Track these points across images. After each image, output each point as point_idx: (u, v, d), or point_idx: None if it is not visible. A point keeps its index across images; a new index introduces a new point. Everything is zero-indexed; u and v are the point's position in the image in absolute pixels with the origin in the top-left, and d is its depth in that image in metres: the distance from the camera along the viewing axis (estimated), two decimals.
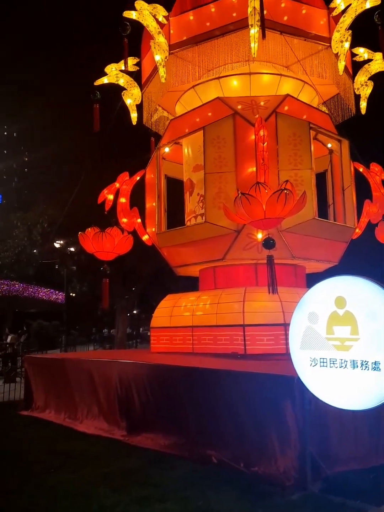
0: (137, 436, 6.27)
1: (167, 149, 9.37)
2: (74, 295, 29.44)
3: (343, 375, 3.95)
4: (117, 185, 9.59)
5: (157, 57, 8.35)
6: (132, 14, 8.40)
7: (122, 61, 9.03)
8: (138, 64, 9.48)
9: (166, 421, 6.05)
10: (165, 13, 8.69)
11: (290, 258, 8.05)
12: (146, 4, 8.41)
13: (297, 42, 8.22)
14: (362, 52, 9.09)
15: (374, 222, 9.20)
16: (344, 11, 8.23)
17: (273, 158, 7.76)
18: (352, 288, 4.01)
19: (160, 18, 8.59)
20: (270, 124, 7.83)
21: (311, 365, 4.21)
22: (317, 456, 4.53)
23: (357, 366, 3.86)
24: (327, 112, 9.46)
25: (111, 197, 9.51)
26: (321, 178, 9.77)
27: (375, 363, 3.74)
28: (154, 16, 8.47)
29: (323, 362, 4.12)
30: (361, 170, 9.34)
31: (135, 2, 8.29)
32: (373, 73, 8.99)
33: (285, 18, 8.09)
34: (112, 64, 9.14)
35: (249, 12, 7.20)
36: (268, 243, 6.62)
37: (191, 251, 8.72)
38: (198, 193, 8.77)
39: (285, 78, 8.87)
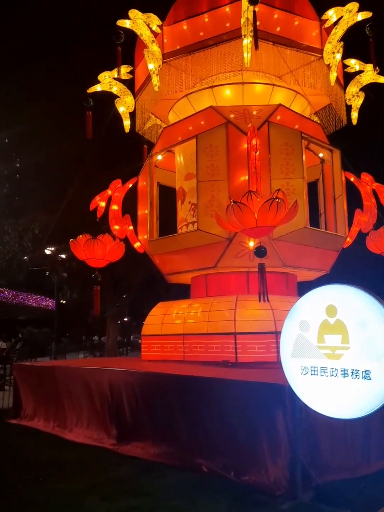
0: (127, 445, 6.22)
1: (159, 157, 9.40)
2: (64, 302, 29.27)
3: (334, 384, 3.95)
4: (109, 192, 9.59)
5: (151, 66, 8.40)
6: (126, 23, 8.46)
7: (116, 69, 9.06)
8: (132, 72, 9.52)
9: (156, 430, 6.01)
10: (159, 22, 8.76)
11: (281, 266, 8.08)
12: (140, 13, 8.47)
13: (290, 53, 8.31)
14: (354, 64, 9.20)
15: (365, 231, 9.27)
16: (336, 23, 8.35)
17: (265, 167, 7.81)
18: (343, 297, 4.02)
19: (154, 27, 8.66)
20: (262, 133, 7.89)
21: (302, 373, 4.21)
22: (307, 465, 4.52)
23: (348, 374, 3.87)
24: (319, 122, 9.56)
25: (103, 204, 9.49)
26: (312, 187, 9.85)
27: (365, 372, 3.75)
28: (148, 25, 8.53)
29: (314, 370, 4.12)
30: (352, 179, 9.43)
31: (129, 11, 8.35)
32: (364, 84, 9.09)
33: (278, 29, 8.18)
34: (105, 72, 9.18)
35: (242, 22, 7.30)
36: (260, 251, 6.64)
37: (183, 259, 8.73)
38: (190, 201, 8.80)
39: (277, 88, 8.95)
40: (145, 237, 9.17)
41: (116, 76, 9.11)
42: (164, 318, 8.88)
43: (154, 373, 6.50)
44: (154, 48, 8.46)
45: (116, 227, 9.43)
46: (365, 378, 3.75)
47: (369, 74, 8.94)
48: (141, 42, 8.82)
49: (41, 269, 25.55)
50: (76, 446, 6.62)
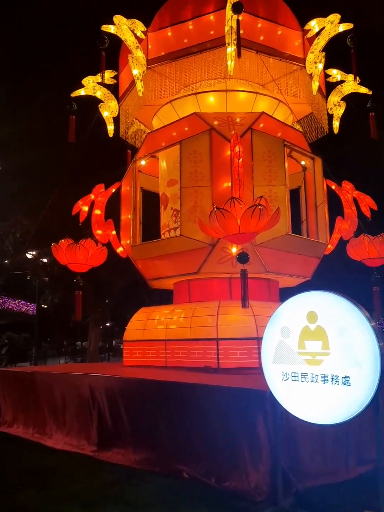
0: (108, 452, 6.17)
1: (143, 162, 9.41)
2: (46, 306, 28.96)
3: (314, 390, 3.99)
4: (92, 196, 9.55)
5: (135, 71, 8.42)
6: (110, 28, 8.47)
7: (99, 74, 9.06)
8: (116, 77, 9.53)
9: (137, 436, 5.98)
10: (144, 28, 8.79)
11: (263, 272, 8.13)
12: (124, 19, 8.49)
13: (273, 62, 8.42)
14: (335, 74, 9.36)
15: (346, 239, 9.40)
16: (318, 34, 8.50)
17: (248, 174, 7.87)
18: (324, 303, 4.06)
19: (139, 33, 8.68)
20: (245, 140, 7.96)
21: (283, 379, 4.24)
22: (288, 470, 4.55)
23: (328, 380, 3.91)
24: (301, 130, 9.69)
25: (86, 208, 9.45)
26: (295, 195, 9.96)
27: (345, 377, 3.79)
28: (132, 31, 8.55)
29: (295, 376, 4.15)
30: (333, 187, 9.56)
31: (114, 16, 8.37)
32: (345, 94, 9.25)
33: (261, 38, 8.28)
34: (89, 76, 9.16)
35: (226, 31, 7.38)
36: (242, 258, 6.68)
37: (165, 264, 8.73)
38: (172, 207, 8.82)
39: (260, 96, 9.05)
40: (128, 242, 9.15)
41: (100, 80, 9.09)
42: (146, 324, 8.86)
43: (135, 379, 6.47)
44: (139, 54, 8.49)
45: (99, 231, 9.39)
46: (344, 384, 3.79)
47: (350, 84, 9.10)
48: (125, 48, 8.84)
49: (22, 273, 25.26)
50: (56, 453, 6.54)
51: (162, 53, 8.61)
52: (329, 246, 9.20)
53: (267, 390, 4.46)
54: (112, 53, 9.36)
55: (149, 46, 8.77)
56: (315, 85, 8.47)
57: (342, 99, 9.23)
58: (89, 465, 5.91)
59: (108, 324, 39.51)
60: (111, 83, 9.41)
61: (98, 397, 6.56)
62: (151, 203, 10.35)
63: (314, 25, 8.62)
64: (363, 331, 3.71)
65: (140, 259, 9.13)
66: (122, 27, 8.45)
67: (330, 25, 8.32)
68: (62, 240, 8.63)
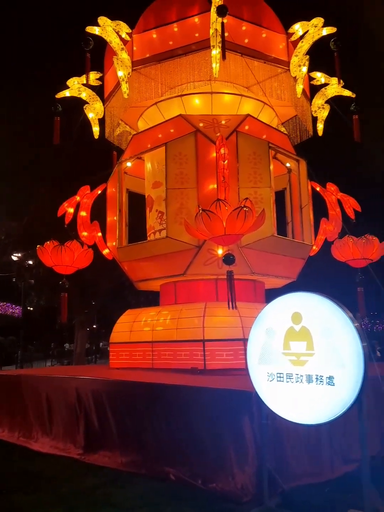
0: (94, 454, 6.15)
1: (129, 164, 9.40)
2: (32, 309, 28.69)
3: (299, 390, 4.02)
4: (78, 198, 9.52)
5: (120, 73, 8.42)
6: (95, 30, 8.45)
7: (84, 75, 9.02)
8: (101, 78, 9.51)
9: (124, 438, 5.96)
10: (128, 30, 8.79)
11: (249, 273, 8.18)
12: (109, 21, 8.49)
13: (257, 65, 8.48)
14: (319, 77, 9.45)
15: (331, 240, 9.49)
16: (302, 37, 8.58)
17: (234, 175, 7.92)
18: (308, 304, 4.10)
19: (123, 35, 8.68)
20: (231, 142, 8.00)
21: (268, 380, 4.27)
22: (274, 471, 4.57)
23: (312, 380, 3.94)
24: (286, 132, 9.76)
25: (71, 210, 9.41)
26: (280, 196, 10.04)
27: (329, 377, 3.83)
28: (117, 33, 8.55)
29: (280, 377, 4.18)
30: (318, 189, 9.66)
31: (98, 18, 8.35)
32: (329, 97, 9.35)
33: (246, 40, 8.34)
34: (74, 77, 9.13)
35: (211, 33, 7.40)
36: (228, 259, 6.71)
37: (152, 266, 8.73)
38: (157, 209, 8.83)
39: (245, 99, 9.10)
40: (114, 244, 9.13)
41: (85, 82, 9.06)
42: (132, 326, 8.84)
43: (121, 381, 6.45)
44: (124, 55, 8.48)
45: (85, 233, 9.35)
46: (329, 384, 3.82)
47: (333, 87, 9.20)
48: (110, 49, 8.83)
49: (7, 276, 25.01)
50: (42, 457, 6.49)
51: (147, 55, 8.62)
52: (314, 247, 9.29)
53: (253, 391, 4.48)
54: (97, 55, 9.34)
55: (134, 48, 8.77)
56: (299, 88, 8.55)
57: (326, 102, 9.33)
58: (75, 468, 5.88)
59: (95, 326, 39.30)
60: (96, 84, 9.38)
61: (84, 400, 6.53)
62: (137, 205, 10.34)
63: (298, 28, 8.70)
64: (347, 331, 3.75)
65: (126, 261, 9.11)
66: (107, 29, 8.44)
67: (314, 29, 8.41)
68: (48, 242, 8.59)
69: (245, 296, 8.38)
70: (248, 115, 8.61)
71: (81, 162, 15.47)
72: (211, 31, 7.40)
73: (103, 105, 9.49)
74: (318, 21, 8.38)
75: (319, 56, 9.06)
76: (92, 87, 9.34)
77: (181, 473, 5.13)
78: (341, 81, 9.05)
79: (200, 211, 6.51)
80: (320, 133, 9.45)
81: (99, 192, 9.72)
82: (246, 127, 8.42)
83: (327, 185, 9.79)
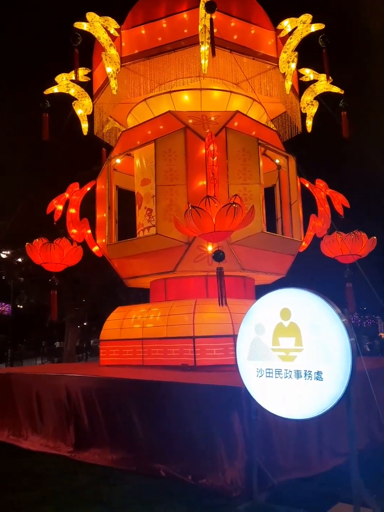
0: (85, 452, 6.14)
1: (118, 161, 9.36)
2: (21, 307, 28.53)
3: (288, 385, 4.05)
4: (67, 195, 9.46)
5: (109, 69, 8.36)
6: (83, 25, 8.38)
7: (73, 71, 8.95)
8: (89, 75, 9.43)
9: (114, 436, 5.97)
10: (117, 25, 8.73)
11: (239, 270, 8.20)
12: (97, 16, 8.42)
13: (246, 61, 8.47)
14: (308, 73, 9.47)
15: (320, 236, 9.53)
16: (290, 33, 8.58)
17: (223, 172, 7.92)
18: (297, 300, 4.13)
19: (112, 31, 8.62)
20: (220, 139, 8.00)
21: (257, 375, 4.29)
22: (263, 466, 4.60)
23: (301, 376, 3.97)
24: (275, 129, 9.77)
25: (60, 207, 9.35)
26: (269, 193, 10.06)
27: (318, 372, 3.86)
28: (105, 29, 8.49)
29: (269, 372, 4.21)
30: (307, 185, 9.68)
31: (87, 13, 8.29)
32: (318, 93, 9.37)
33: (235, 37, 8.32)
34: (62, 73, 9.06)
35: (199, 29, 7.39)
36: (218, 256, 6.72)
37: (142, 263, 8.71)
38: (146, 206, 8.81)
39: (234, 95, 9.10)
40: (104, 241, 9.10)
41: (73, 78, 8.99)
42: (122, 323, 8.83)
43: (111, 378, 6.45)
44: (112, 51, 8.43)
45: (74, 230, 9.30)
46: (317, 379, 3.86)
47: (322, 84, 9.22)
48: (99, 45, 8.77)
49: None
50: (32, 455, 6.48)
51: (136, 51, 8.57)
52: (303, 243, 9.32)
53: (242, 387, 4.51)
54: (86, 50, 9.27)
55: (123, 44, 8.72)
56: (288, 84, 8.56)
57: (315, 98, 9.35)
58: (66, 466, 5.88)
59: (85, 324, 39.16)
60: (85, 80, 9.31)
61: (75, 398, 6.52)
62: (127, 201, 10.31)
63: (286, 25, 8.70)
64: (335, 327, 3.79)
65: (116, 258, 9.09)
66: (95, 25, 8.38)
67: (302, 25, 8.42)
68: (37, 239, 8.54)
69: (235, 292, 8.39)
70: (237, 111, 8.61)
71: (70, 159, 15.38)
72: (200, 27, 7.38)
73: (92, 101, 9.43)
74: (307, 17, 8.39)
75: (308, 53, 9.08)
76: (81, 84, 9.27)
77: (172, 470, 5.15)
78: (330, 78, 9.07)
79: (190, 208, 6.50)
80: (309, 129, 9.48)
81: (89, 189, 9.67)
82: (236, 124, 8.42)
83: (316, 182, 9.82)
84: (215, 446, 4.91)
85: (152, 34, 8.44)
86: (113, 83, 8.37)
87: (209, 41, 7.24)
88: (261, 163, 8.50)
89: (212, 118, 8.45)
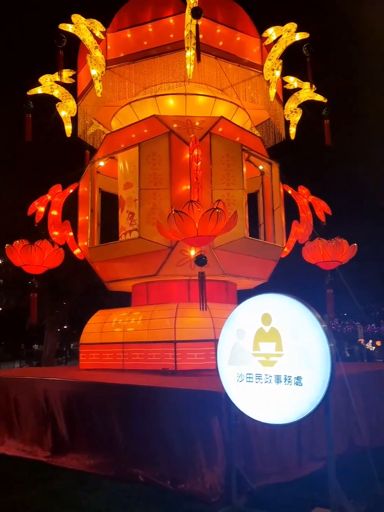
0: (62, 457, 6.06)
1: (102, 163, 9.31)
2: (0, 309, 28.10)
3: (268, 390, 4.06)
4: (49, 197, 9.37)
5: (94, 72, 8.34)
6: (68, 27, 8.34)
7: (57, 73, 8.90)
8: (74, 76, 9.38)
9: (93, 440, 5.91)
10: (103, 28, 8.72)
11: (221, 275, 8.22)
12: (83, 18, 8.39)
13: (232, 67, 8.53)
14: (292, 81, 9.58)
15: (302, 242, 9.62)
16: (275, 41, 8.68)
17: (207, 177, 7.94)
18: (278, 306, 4.15)
19: (97, 33, 8.60)
20: (204, 144, 8.03)
21: (238, 380, 4.30)
22: (242, 470, 4.60)
23: (281, 381, 3.99)
24: (259, 135, 9.85)
25: (42, 209, 9.26)
26: (252, 199, 10.12)
27: (297, 378, 3.88)
28: (91, 31, 8.46)
29: (249, 377, 4.22)
30: (290, 192, 9.78)
31: (72, 15, 8.25)
32: (302, 101, 9.48)
33: (220, 43, 8.38)
34: (46, 75, 8.99)
35: (185, 35, 7.41)
36: (200, 260, 6.73)
37: (124, 267, 8.67)
38: (128, 210, 8.79)
39: (219, 101, 9.14)
40: (85, 243, 9.03)
41: (57, 79, 8.94)
42: (103, 326, 8.76)
43: (90, 383, 6.39)
44: (97, 54, 8.41)
45: (56, 233, 9.22)
46: (297, 384, 3.88)
47: (306, 92, 9.34)
48: (84, 47, 8.73)
49: None
50: (8, 460, 6.37)
51: (121, 54, 8.56)
52: (285, 249, 9.40)
53: (223, 392, 4.50)
54: (71, 52, 9.23)
55: (108, 47, 8.70)
56: (272, 91, 8.64)
57: (299, 106, 9.46)
58: (43, 471, 5.80)
59: (66, 327, 38.75)
60: (69, 82, 9.26)
61: (53, 402, 6.43)
62: (110, 204, 10.25)
63: (271, 33, 8.80)
64: (315, 332, 3.81)
65: (98, 261, 9.03)
66: (81, 27, 8.35)
67: (287, 34, 8.52)
68: (17, 241, 8.44)
69: (217, 297, 8.41)
70: (222, 117, 8.66)
71: (53, 161, 15.25)
72: (186, 32, 7.40)
73: (76, 103, 9.37)
74: (292, 26, 8.50)
75: (294, 60, 9.19)
76: (65, 85, 9.22)
77: (150, 474, 5.12)
78: (313, 86, 9.19)
79: (173, 212, 6.51)
80: (292, 136, 9.58)
81: (71, 191, 9.59)
82: (220, 129, 8.46)
83: (299, 188, 9.93)
84: (194, 451, 4.89)
85: (138, 38, 8.44)
86: (97, 85, 8.35)
87: (194, 46, 7.27)
88: (244, 169, 8.56)
89: (197, 123, 8.48)
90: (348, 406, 5.87)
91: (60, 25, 8.33)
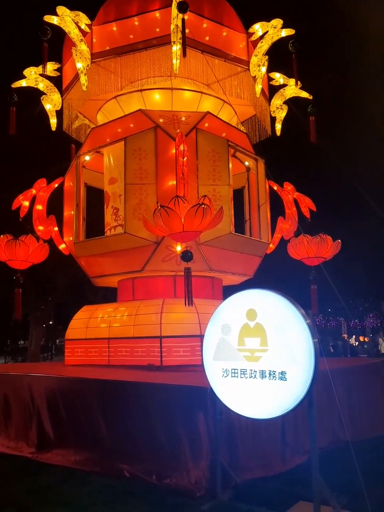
0: (48, 453, 6.04)
1: (87, 158, 9.24)
2: None
3: (252, 385, 4.09)
4: (34, 191, 9.28)
5: (79, 65, 8.25)
6: (53, 19, 8.23)
7: (42, 65, 8.78)
8: (59, 69, 9.28)
9: (78, 436, 5.89)
10: (88, 21, 8.62)
11: (207, 270, 8.24)
12: (68, 11, 8.28)
13: (218, 63, 8.50)
14: (278, 77, 9.59)
15: (287, 238, 9.68)
16: (261, 37, 8.67)
17: (193, 172, 7.93)
18: (263, 301, 4.17)
19: (83, 26, 8.50)
20: (190, 139, 8.01)
21: (223, 375, 4.32)
22: (227, 465, 4.64)
23: (266, 376, 4.02)
24: (245, 131, 9.86)
25: (26, 203, 9.17)
26: (238, 195, 10.14)
27: (282, 373, 3.92)
28: (76, 24, 8.36)
29: (235, 372, 4.24)
30: (275, 188, 9.82)
31: (57, 7, 8.14)
32: (287, 97, 9.50)
33: (207, 38, 8.35)
34: (31, 67, 8.86)
35: (171, 29, 7.37)
36: (186, 256, 6.73)
37: (109, 262, 8.63)
38: (112, 205, 8.74)
39: (205, 96, 9.13)
40: (71, 238, 8.97)
41: (42, 72, 8.82)
42: (89, 322, 8.73)
43: (76, 379, 6.36)
44: (83, 47, 8.32)
45: (41, 227, 9.14)
46: (281, 379, 3.91)
47: (291, 88, 9.36)
48: (69, 40, 8.63)
49: None
50: None
51: (107, 47, 8.48)
52: (270, 245, 9.45)
53: (208, 387, 4.53)
54: (56, 44, 9.11)
55: (94, 40, 8.61)
56: (258, 87, 8.65)
57: (284, 102, 9.48)
58: (27, 467, 5.77)
59: (51, 323, 38.47)
60: (54, 75, 9.15)
61: (38, 398, 6.40)
62: (96, 199, 10.19)
63: (258, 28, 8.79)
64: (299, 328, 3.85)
65: (83, 256, 8.98)
66: (66, 19, 8.24)
67: (273, 30, 8.52)
68: (1, 236, 8.36)
69: (203, 292, 8.43)
70: (208, 112, 8.64)
71: (38, 154, 15.09)
72: (172, 27, 7.36)
73: (61, 96, 9.27)
74: (277, 22, 8.50)
75: (280, 57, 9.20)
76: (50, 78, 9.10)
77: (136, 470, 5.12)
78: (299, 83, 9.21)
79: (159, 207, 6.49)
80: (278, 133, 9.60)
81: (56, 185, 9.51)
82: (206, 125, 8.45)
83: (284, 185, 9.97)
84: (180, 446, 4.91)
85: (124, 31, 8.37)
86: (83, 79, 8.26)
87: (181, 41, 7.22)
88: (230, 165, 8.56)
89: (183, 118, 8.46)
90: (331, 401, 5.94)
91: (44, 17, 8.21)
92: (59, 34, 8.64)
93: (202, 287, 8.56)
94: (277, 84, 9.61)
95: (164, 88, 8.91)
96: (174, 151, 7.86)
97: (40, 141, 13.64)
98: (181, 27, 7.12)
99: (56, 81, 9.26)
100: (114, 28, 8.46)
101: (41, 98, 9.07)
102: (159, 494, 4.63)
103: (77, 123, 10.23)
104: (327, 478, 3.88)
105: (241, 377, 4.18)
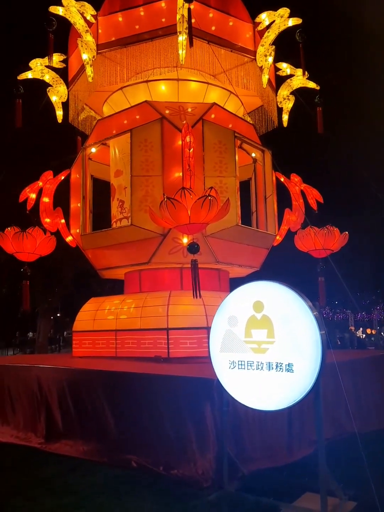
0: (56, 443, 6.10)
1: (93, 150, 9.22)
2: None
3: (259, 377, 4.09)
4: (40, 184, 9.29)
5: (85, 56, 8.21)
6: (58, 10, 8.18)
7: (48, 57, 8.75)
8: (65, 61, 9.24)
9: (86, 427, 5.94)
10: (94, 11, 8.56)
11: (214, 262, 8.22)
12: (73, 1, 8.22)
13: (224, 53, 8.44)
14: (285, 67, 9.49)
15: (294, 230, 9.64)
16: (268, 27, 8.58)
17: (199, 164, 7.90)
18: (270, 293, 4.16)
19: (88, 17, 8.45)
20: (196, 130, 7.97)
21: (230, 367, 4.32)
22: (234, 456, 4.66)
23: (273, 368, 4.02)
24: (251, 122, 9.79)
25: (33, 196, 9.19)
26: (245, 186, 10.09)
27: (288, 365, 3.92)
28: (82, 14, 8.31)
29: (241, 364, 4.24)
30: (282, 180, 9.76)
31: None
32: (294, 88, 9.40)
33: (213, 28, 8.28)
34: (37, 59, 8.83)
35: (177, 19, 7.30)
36: (193, 248, 6.72)
37: (116, 254, 8.64)
38: (118, 198, 8.74)
39: (212, 87, 9.06)
40: (78, 231, 8.98)
41: (48, 64, 8.79)
42: (96, 314, 8.76)
43: (83, 370, 6.41)
44: (88, 38, 8.27)
45: (47, 220, 9.16)
46: (288, 371, 3.91)
47: (299, 79, 9.26)
48: (75, 31, 8.59)
49: None
50: (2, 446, 6.39)
51: (112, 38, 8.44)
52: (277, 237, 9.41)
53: (215, 379, 4.53)
54: (61, 36, 9.07)
55: (99, 31, 8.57)
56: (265, 78, 8.57)
57: (291, 93, 9.39)
58: (36, 457, 5.83)
59: (59, 315, 38.72)
60: (60, 67, 9.12)
61: (46, 389, 6.46)
62: (102, 191, 10.18)
63: (264, 18, 8.70)
64: (306, 320, 3.84)
65: (90, 248, 8.99)
66: (71, 10, 8.19)
67: (280, 19, 8.42)
68: (9, 228, 8.39)
69: (209, 285, 8.42)
70: (214, 103, 8.58)
71: (45, 147, 15.09)
72: (178, 16, 7.29)
73: (67, 88, 9.24)
74: (284, 11, 8.39)
75: (287, 46, 9.10)
76: (56, 70, 9.07)
77: (143, 461, 5.16)
78: (306, 73, 9.12)
79: (165, 199, 6.47)
80: (285, 124, 9.52)
81: (63, 177, 9.51)
82: (212, 116, 8.39)
83: (291, 176, 9.90)
84: (187, 437, 4.94)
85: (130, 21, 8.31)
86: (89, 70, 8.22)
87: (187, 31, 7.16)
88: (237, 156, 8.51)
89: (189, 110, 8.40)
90: (338, 393, 5.94)
91: (50, 7, 8.16)
92: (64, 25, 8.59)
93: (209, 279, 8.55)
94: (284, 74, 9.51)
95: (170, 79, 8.86)
96: (180, 142, 7.82)
97: (46, 133, 13.63)
98: (187, 17, 7.06)
99: (62, 73, 9.23)
100: (120, 19, 8.41)
101: (47, 90, 9.06)
102: (166, 485, 4.66)
103: (83, 115, 10.21)
104: (333, 470, 3.88)
105: (248, 369, 4.18)
